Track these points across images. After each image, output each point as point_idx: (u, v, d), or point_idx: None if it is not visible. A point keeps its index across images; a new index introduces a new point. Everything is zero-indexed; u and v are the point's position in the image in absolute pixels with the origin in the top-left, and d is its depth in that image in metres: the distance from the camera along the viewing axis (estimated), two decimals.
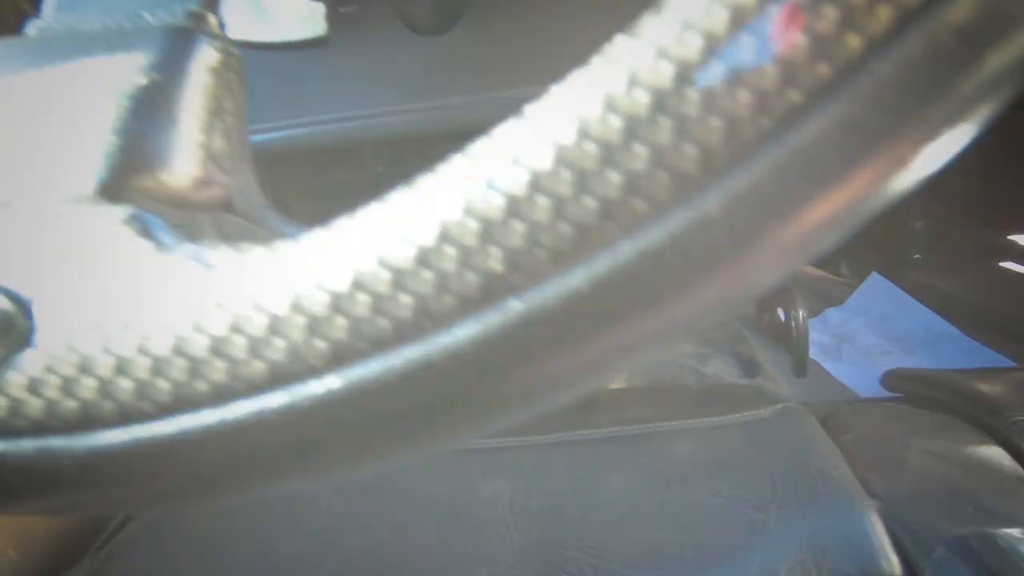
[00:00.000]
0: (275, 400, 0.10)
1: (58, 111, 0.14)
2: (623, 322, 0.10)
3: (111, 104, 0.13)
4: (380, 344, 0.10)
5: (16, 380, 0.11)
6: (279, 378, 0.10)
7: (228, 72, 0.15)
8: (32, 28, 0.17)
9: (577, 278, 0.09)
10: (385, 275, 0.10)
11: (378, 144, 0.65)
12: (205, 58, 0.15)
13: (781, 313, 1.03)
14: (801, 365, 0.96)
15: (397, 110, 0.43)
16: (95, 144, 0.13)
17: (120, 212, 0.11)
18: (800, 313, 0.97)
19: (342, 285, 0.10)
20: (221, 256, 0.11)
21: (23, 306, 0.11)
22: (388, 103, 0.43)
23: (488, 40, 0.42)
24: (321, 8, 0.25)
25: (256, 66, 0.43)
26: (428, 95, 0.43)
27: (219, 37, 0.16)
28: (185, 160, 0.13)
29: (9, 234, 0.11)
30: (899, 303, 1.02)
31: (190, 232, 0.11)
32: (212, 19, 0.16)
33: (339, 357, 0.10)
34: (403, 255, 0.10)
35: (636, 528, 0.44)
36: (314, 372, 0.10)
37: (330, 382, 0.10)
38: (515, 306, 0.09)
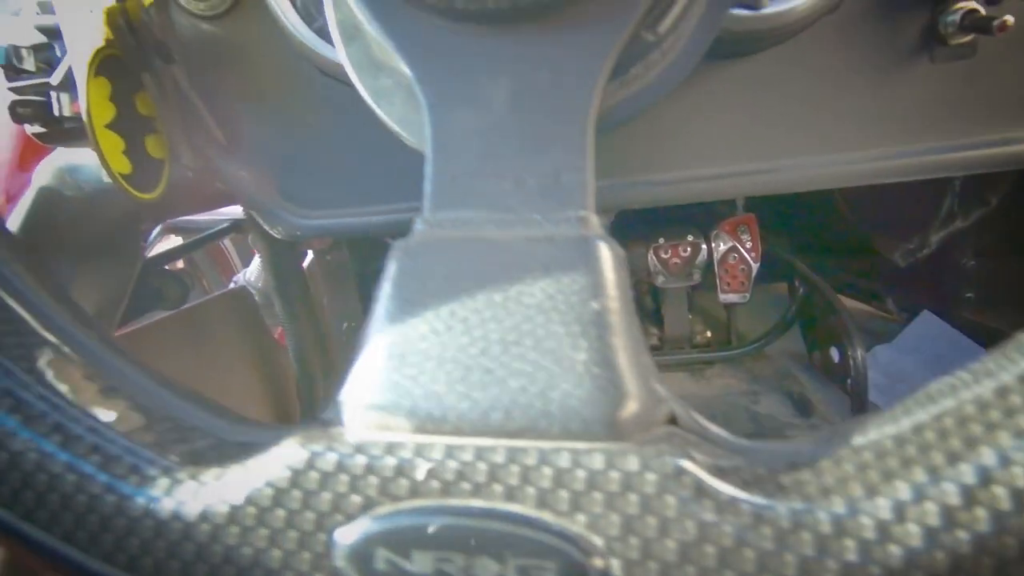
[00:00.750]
0: None
1: (522, 333, 0.15)
2: None
3: (576, 333, 0.14)
4: None
5: None
6: None
7: (624, 271, 0.16)
8: (420, 225, 0.18)
9: None
10: (964, 537, 0.11)
11: None
12: (610, 264, 0.16)
13: (835, 351, 1.04)
14: (861, 406, 0.96)
15: None
16: (585, 379, 0.14)
17: (667, 464, 0.12)
18: (859, 352, 0.98)
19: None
20: (783, 514, 0.12)
21: (595, 554, 0.12)
22: None
23: (631, 129, 0.44)
24: None
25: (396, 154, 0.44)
26: None
27: (606, 237, 0.17)
28: (642, 380, 0.14)
29: (555, 475, 0.12)
30: (951, 342, 1.02)
31: (738, 481, 0.12)
32: (594, 219, 0.17)
33: None
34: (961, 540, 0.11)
35: None
36: None
37: None
38: None
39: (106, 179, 0.40)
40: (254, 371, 0.90)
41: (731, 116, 0.42)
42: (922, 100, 0.40)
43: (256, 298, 0.93)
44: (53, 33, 0.40)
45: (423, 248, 0.17)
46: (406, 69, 0.20)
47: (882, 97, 0.41)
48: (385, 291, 0.17)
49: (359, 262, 0.81)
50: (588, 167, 0.18)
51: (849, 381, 0.97)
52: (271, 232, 0.48)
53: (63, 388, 0.16)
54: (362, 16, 0.22)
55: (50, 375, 0.17)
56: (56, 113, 0.40)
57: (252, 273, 0.95)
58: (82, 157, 0.49)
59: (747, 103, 0.42)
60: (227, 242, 1.10)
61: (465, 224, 0.18)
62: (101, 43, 0.37)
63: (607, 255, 0.16)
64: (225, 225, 0.87)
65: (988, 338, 0.97)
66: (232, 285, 0.99)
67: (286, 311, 0.79)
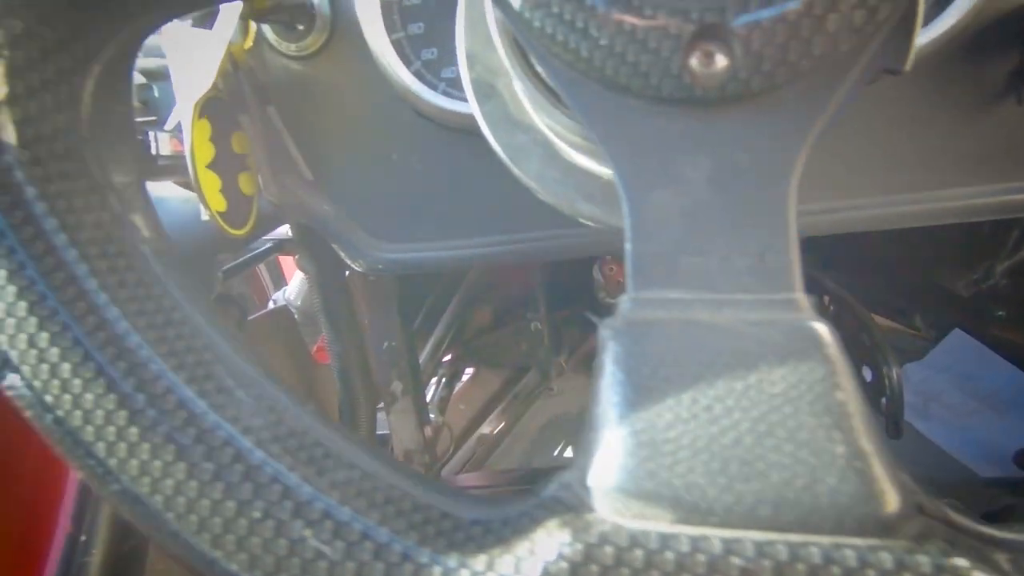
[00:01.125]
0: None
1: (772, 423, 0.15)
2: None
3: (828, 425, 0.15)
4: None
5: None
6: None
7: (845, 354, 0.17)
8: (627, 304, 0.18)
9: None
10: None
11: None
12: (837, 350, 0.16)
13: (867, 370, 1.04)
14: (896, 427, 0.96)
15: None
16: (848, 473, 0.14)
17: (959, 567, 0.13)
18: (894, 371, 0.97)
19: None
20: None
21: None
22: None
23: None
24: None
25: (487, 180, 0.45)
26: None
27: (821, 318, 0.17)
28: (895, 473, 0.14)
29: (843, 575, 0.13)
30: (982, 360, 1.02)
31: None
32: (805, 301, 0.18)
33: None
34: None
35: None
36: None
37: None
38: None
39: (204, 216, 0.40)
40: (296, 389, 0.90)
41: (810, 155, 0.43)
42: (1006, 141, 0.41)
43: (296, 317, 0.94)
44: (153, 75, 0.40)
45: (637, 330, 0.17)
46: (594, 145, 0.20)
47: (965, 137, 0.41)
48: (612, 375, 0.17)
49: (401, 283, 0.82)
50: (793, 247, 0.18)
51: (884, 400, 0.96)
52: (353, 265, 0.48)
53: (311, 470, 0.17)
54: (530, 81, 0.23)
55: (301, 455, 0.17)
56: (153, 151, 0.41)
57: (291, 292, 0.96)
58: (163, 190, 0.49)
59: (825, 142, 0.43)
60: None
61: (673, 305, 0.18)
62: (206, 86, 0.38)
63: (832, 341, 0.16)
64: (269, 245, 0.88)
65: (1019, 356, 0.97)
66: (272, 304, 1.00)
67: (332, 331, 0.79)
